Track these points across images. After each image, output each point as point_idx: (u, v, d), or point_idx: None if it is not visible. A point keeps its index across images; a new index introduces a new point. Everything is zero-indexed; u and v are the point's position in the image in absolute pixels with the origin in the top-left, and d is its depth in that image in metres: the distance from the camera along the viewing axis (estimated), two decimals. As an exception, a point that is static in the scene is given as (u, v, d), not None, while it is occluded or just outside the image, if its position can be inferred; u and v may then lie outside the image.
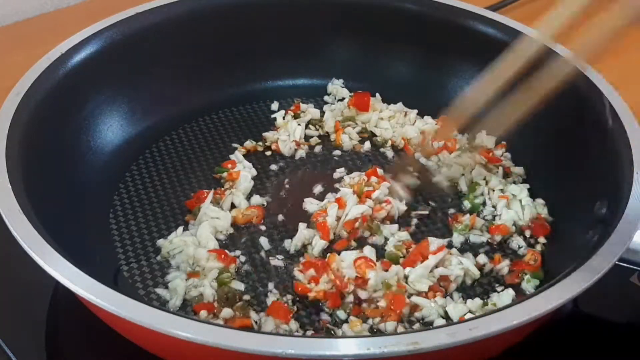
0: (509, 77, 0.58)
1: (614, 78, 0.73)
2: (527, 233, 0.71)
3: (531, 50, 0.56)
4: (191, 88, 0.86)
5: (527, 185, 0.75)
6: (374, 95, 0.88)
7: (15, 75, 0.68)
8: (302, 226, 0.69)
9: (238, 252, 0.68)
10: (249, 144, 0.82)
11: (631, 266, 0.56)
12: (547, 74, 0.56)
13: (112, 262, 0.67)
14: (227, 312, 0.61)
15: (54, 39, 0.74)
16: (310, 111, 0.86)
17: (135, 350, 0.55)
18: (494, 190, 0.75)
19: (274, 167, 0.79)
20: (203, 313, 0.60)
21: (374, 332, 0.60)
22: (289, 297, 0.63)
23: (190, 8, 0.84)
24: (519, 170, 0.78)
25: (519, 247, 0.70)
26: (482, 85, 0.59)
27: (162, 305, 0.62)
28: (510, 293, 0.64)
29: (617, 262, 0.53)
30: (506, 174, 0.78)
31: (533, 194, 0.75)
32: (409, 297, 0.62)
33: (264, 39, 0.88)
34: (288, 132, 0.83)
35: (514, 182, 0.76)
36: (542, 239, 0.70)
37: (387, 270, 0.64)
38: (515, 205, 0.73)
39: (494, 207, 0.74)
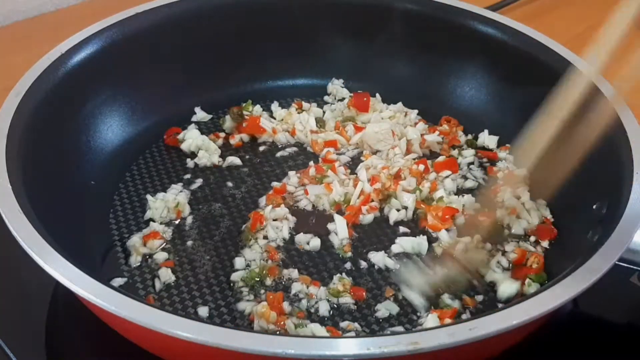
0: (564, 117, 0.56)
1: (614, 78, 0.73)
2: (532, 238, 0.70)
3: (581, 86, 0.54)
4: (191, 88, 0.86)
5: (527, 187, 0.75)
6: (373, 96, 0.88)
7: (15, 75, 0.68)
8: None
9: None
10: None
11: (631, 266, 0.57)
12: (591, 120, 0.54)
13: (112, 262, 0.67)
14: None
15: (54, 39, 0.74)
16: (313, 110, 0.87)
17: (135, 350, 0.55)
18: None
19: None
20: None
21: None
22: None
23: (190, 8, 0.84)
24: (522, 172, 0.78)
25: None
26: (539, 128, 0.57)
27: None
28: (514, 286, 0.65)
29: (617, 262, 0.53)
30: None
31: (533, 195, 0.75)
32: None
33: (264, 39, 0.88)
34: (293, 123, 0.84)
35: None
36: (545, 243, 0.70)
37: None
38: (524, 214, 0.72)
39: None
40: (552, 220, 0.72)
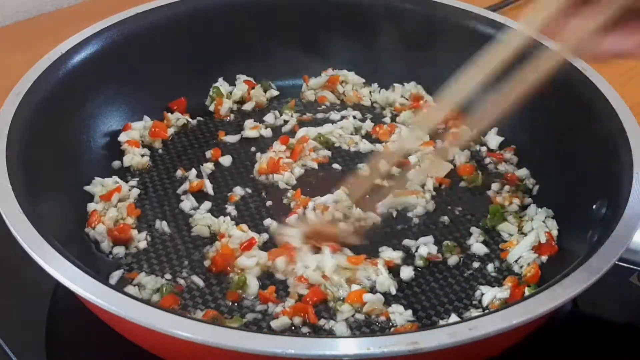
0: (496, 67, 0.61)
1: (614, 78, 0.73)
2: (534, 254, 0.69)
3: (517, 41, 0.59)
4: (191, 88, 0.86)
5: (548, 213, 0.73)
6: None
7: (16, 75, 0.68)
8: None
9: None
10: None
11: (631, 266, 0.56)
12: (535, 66, 0.58)
13: (113, 262, 0.67)
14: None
15: (54, 39, 0.74)
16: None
17: (135, 350, 0.55)
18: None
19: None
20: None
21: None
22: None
23: (190, 8, 0.84)
24: (524, 172, 0.78)
25: (521, 267, 0.68)
26: (468, 74, 0.63)
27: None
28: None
29: (617, 262, 0.53)
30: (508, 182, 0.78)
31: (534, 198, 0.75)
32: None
33: (265, 39, 0.88)
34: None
35: (525, 191, 0.77)
36: (544, 257, 0.68)
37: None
38: (532, 235, 0.70)
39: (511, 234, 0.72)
40: (556, 234, 0.70)
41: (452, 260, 0.68)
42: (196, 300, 0.63)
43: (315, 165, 0.79)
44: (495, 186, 0.77)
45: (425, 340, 0.45)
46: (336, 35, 0.90)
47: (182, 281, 0.64)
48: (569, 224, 0.70)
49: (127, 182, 0.75)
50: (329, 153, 0.81)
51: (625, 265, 0.56)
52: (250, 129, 0.83)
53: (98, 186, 0.72)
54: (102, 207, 0.70)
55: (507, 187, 0.77)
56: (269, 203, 0.74)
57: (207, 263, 0.66)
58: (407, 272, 0.66)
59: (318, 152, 0.81)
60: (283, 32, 0.88)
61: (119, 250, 0.67)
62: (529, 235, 0.70)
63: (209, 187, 0.74)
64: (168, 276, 0.65)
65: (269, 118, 0.86)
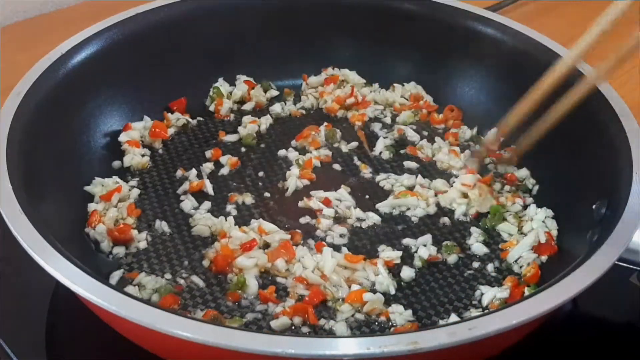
0: (542, 97, 0.67)
1: (614, 78, 0.73)
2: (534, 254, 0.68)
3: (563, 71, 0.65)
4: (191, 88, 0.86)
5: (547, 213, 0.72)
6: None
7: (16, 75, 0.68)
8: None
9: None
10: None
11: (631, 266, 0.57)
12: (571, 93, 0.63)
13: (113, 262, 0.67)
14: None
15: (54, 39, 0.74)
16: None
17: (135, 350, 0.55)
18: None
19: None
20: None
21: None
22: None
23: (190, 8, 0.84)
24: (524, 172, 0.78)
25: (521, 267, 0.68)
26: (521, 106, 0.69)
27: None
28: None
29: (616, 262, 0.53)
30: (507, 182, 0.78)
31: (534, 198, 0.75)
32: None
33: (264, 39, 0.88)
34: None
35: (525, 191, 0.77)
36: (544, 257, 0.68)
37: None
38: (532, 235, 0.70)
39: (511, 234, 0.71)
40: (556, 234, 0.70)
41: (452, 260, 0.68)
42: (196, 300, 0.63)
43: (319, 164, 0.79)
44: (495, 186, 0.77)
45: (425, 340, 0.45)
46: (336, 36, 0.90)
47: (182, 281, 0.64)
48: (569, 224, 0.70)
49: (127, 182, 0.75)
50: (329, 153, 0.81)
51: (625, 265, 0.56)
52: (250, 124, 0.83)
53: (98, 186, 0.72)
54: (102, 207, 0.70)
55: (507, 187, 0.77)
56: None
57: (207, 263, 0.66)
58: (407, 272, 0.66)
59: (319, 151, 0.81)
60: (283, 32, 0.89)
61: (119, 250, 0.67)
62: (528, 235, 0.70)
63: (209, 187, 0.75)
64: (168, 276, 0.65)
65: (277, 108, 0.87)
